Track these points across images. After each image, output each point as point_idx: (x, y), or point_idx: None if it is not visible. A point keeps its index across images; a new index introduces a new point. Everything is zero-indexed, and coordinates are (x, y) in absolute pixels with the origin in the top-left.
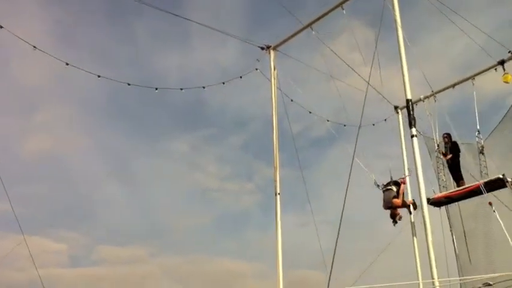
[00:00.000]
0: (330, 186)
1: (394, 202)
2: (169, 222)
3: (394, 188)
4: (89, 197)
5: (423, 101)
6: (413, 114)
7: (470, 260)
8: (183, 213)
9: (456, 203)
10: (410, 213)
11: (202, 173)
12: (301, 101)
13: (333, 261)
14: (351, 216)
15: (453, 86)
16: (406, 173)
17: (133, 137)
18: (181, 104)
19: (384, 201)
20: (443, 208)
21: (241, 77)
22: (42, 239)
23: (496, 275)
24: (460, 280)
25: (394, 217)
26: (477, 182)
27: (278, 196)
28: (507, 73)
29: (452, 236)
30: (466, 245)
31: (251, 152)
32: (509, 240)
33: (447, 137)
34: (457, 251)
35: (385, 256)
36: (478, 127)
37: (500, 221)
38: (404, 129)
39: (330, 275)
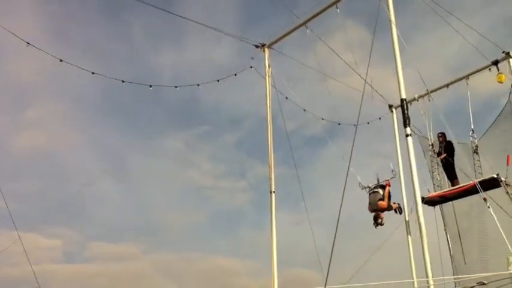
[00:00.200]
0: (325, 185)
1: (379, 204)
2: (163, 219)
3: (381, 191)
4: (82, 193)
5: (417, 101)
6: (407, 113)
7: (464, 259)
8: (177, 210)
9: (450, 202)
10: (399, 213)
11: (196, 170)
12: (295, 99)
13: (330, 260)
14: (345, 215)
15: (447, 85)
16: (391, 175)
17: (127, 134)
18: (176, 101)
19: (369, 203)
20: (437, 207)
21: (235, 75)
22: (36, 236)
23: (490, 274)
24: (454, 279)
25: (377, 219)
26: (472, 181)
27: (273, 194)
28: (501, 73)
29: (447, 235)
30: (461, 244)
31: (245, 150)
32: (505, 238)
33: (442, 136)
34: (451, 250)
35: (380, 255)
36: (472, 127)
37: (494, 216)
38: (398, 128)
39: (328, 274)
